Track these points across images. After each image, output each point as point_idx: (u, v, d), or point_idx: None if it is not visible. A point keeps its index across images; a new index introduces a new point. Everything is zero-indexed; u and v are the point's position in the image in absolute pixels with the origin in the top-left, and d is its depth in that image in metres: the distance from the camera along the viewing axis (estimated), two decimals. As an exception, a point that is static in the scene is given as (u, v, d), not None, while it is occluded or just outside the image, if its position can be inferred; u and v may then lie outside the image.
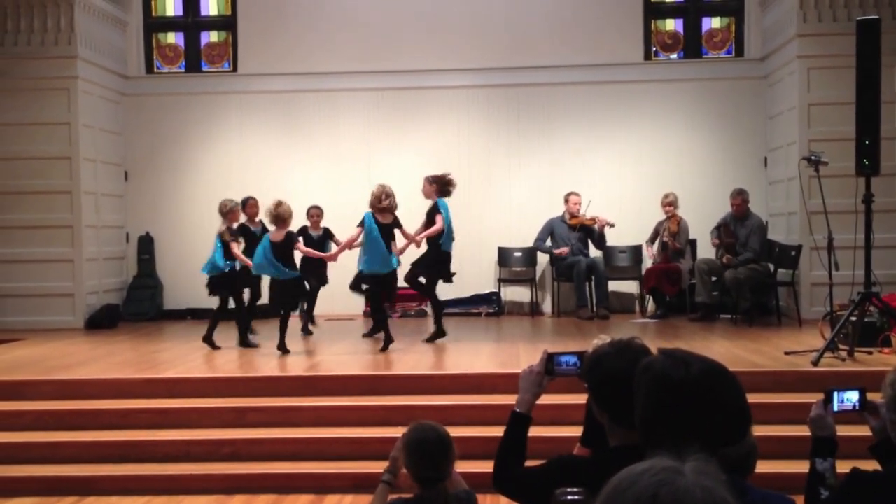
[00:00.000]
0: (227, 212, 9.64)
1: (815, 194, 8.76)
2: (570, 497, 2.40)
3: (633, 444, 2.62)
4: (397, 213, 9.62)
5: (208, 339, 9.57)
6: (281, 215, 9.12)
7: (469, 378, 7.70)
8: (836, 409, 3.26)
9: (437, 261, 9.77)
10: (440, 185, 9.92)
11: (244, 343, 9.59)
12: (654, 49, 13.16)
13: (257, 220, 10.11)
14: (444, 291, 12.67)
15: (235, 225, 9.76)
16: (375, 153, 12.93)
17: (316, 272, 10.24)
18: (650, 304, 12.17)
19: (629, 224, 12.35)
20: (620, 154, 12.86)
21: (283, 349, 9.05)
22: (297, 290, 9.55)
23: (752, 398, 6.86)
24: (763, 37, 12.56)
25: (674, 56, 13.22)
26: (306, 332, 10.60)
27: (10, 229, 11.89)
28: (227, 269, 9.55)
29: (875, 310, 8.25)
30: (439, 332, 9.72)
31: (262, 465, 6.65)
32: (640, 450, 2.15)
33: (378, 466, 4.07)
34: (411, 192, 12.31)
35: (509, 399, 3.32)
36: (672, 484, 1.38)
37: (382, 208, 9.33)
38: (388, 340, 9.16)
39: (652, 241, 12.07)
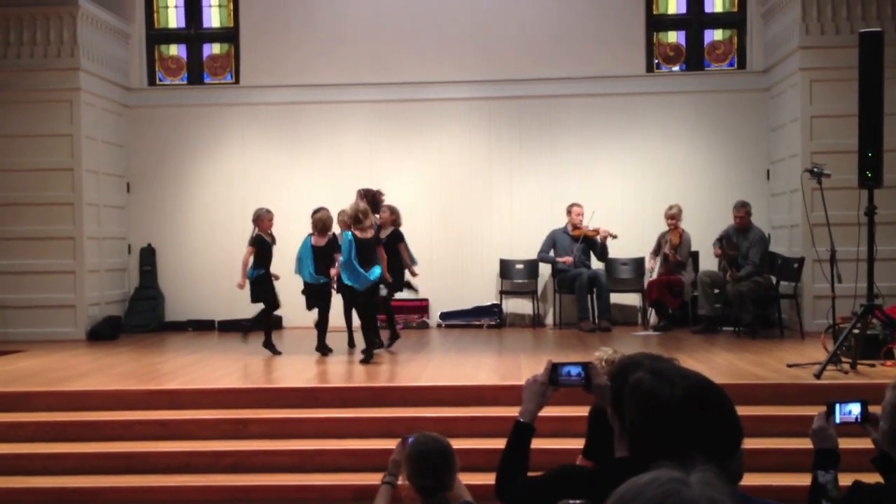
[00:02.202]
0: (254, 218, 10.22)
1: (818, 206, 8.76)
2: (572, 508, 2.40)
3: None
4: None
5: (321, 347, 9.83)
6: (325, 223, 9.85)
7: (470, 390, 7.68)
8: (838, 421, 3.26)
9: None
10: (370, 201, 9.76)
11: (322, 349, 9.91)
12: (657, 61, 13.18)
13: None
14: (445, 303, 12.75)
15: (319, 235, 10.01)
16: (377, 165, 12.94)
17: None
18: (652, 317, 12.15)
19: (631, 236, 12.35)
20: (622, 166, 12.86)
21: (323, 350, 9.75)
22: (327, 295, 9.96)
23: (755, 411, 6.86)
24: (765, 49, 12.58)
25: (676, 68, 13.24)
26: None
27: (13, 240, 11.90)
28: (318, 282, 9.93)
29: (877, 322, 8.24)
30: (393, 336, 10.12)
31: (263, 477, 6.64)
32: (644, 461, 2.15)
33: (379, 478, 4.07)
34: (413, 202, 12.36)
35: (511, 411, 3.32)
36: (678, 495, 1.37)
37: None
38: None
39: (655, 253, 12.07)
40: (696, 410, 2.22)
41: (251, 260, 9.98)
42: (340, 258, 9.37)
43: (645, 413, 2.27)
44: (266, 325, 10.11)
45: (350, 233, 9.27)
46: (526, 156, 12.99)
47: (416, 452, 3.67)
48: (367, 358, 9.14)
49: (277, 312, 12.50)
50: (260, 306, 10.17)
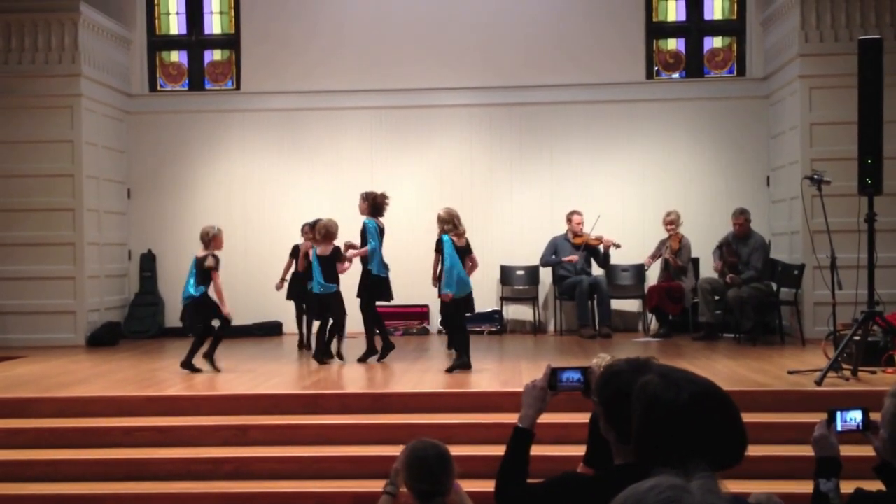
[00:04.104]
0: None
1: (818, 213, 8.75)
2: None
3: (638, 462, 2.61)
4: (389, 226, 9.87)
5: (321, 354, 9.65)
6: (329, 230, 9.56)
7: (471, 396, 7.68)
8: (839, 428, 3.25)
9: (367, 285, 9.67)
10: (370, 203, 9.69)
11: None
12: (656, 68, 13.20)
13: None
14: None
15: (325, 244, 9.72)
16: (378, 171, 12.94)
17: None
18: (653, 323, 12.15)
19: (632, 243, 12.33)
20: (622, 173, 12.87)
21: (319, 359, 9.52)
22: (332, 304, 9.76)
23: (755, 418, 6.84)
24: (765, 56, 12.59)
25: (676, 75, 13.25)
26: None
27: (13, 246, 11.89)
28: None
29: (878, 329, 8.23)
30: (371, 351, 9.64)
31: (263, 484, 6.62)
32: (644, 468, 2.14)
33: (379, 485, 4.07)
34: (414, 209, 12.36)
35: (512, 418, 3.31)
36: (679, 502, 1.37)
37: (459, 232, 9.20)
38: (462, 363, 8.96)
39: (654, 257, 12.04)
40: (701, 416, 2.22)
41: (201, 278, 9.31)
42: (445, 264, 9.14)
43: (649, 416, 2.26)
44: (212, 341, 9.39)
45: (448, 237, 9.10)
46: (526, 162, 13.00)
47: (413, 457, 3.68)
48: (455, 367, 8.94)
49: (277, 319, 12.58)
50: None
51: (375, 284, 9.67)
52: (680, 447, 2.16)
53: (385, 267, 9.75)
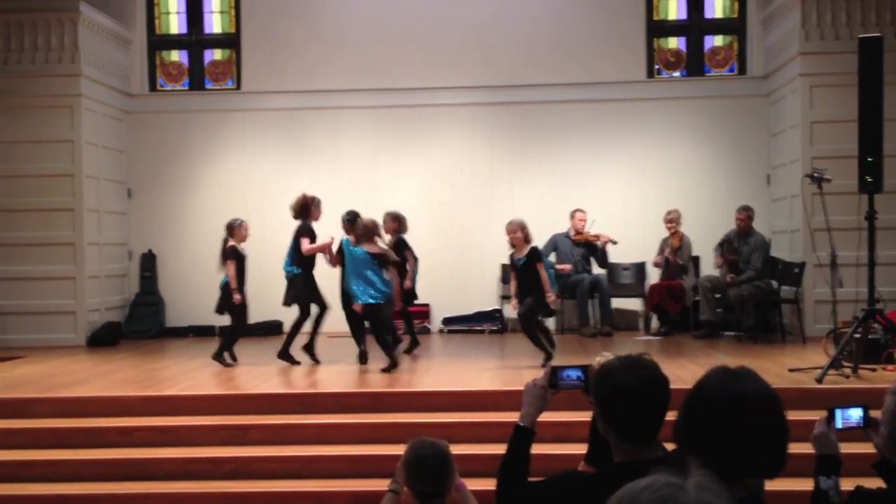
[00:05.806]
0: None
1: (819, 211, 8.75)
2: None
3: (637, 460, 2.61)
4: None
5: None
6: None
7: (472, 395, 7.66)
8: (839, 426, 3.25)
9: None
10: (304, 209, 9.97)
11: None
12: (657, 67, 13.19)
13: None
14: (446, 308, 12.72)
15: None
16: (378, 171, 12.95)
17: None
18: (654, 322, 12.14)
19: (632, 241, 12.34)
20: (623, 171, 12.86)
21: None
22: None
23: (756, 416, 6.69)
24: (765, 55, 12.59)
25: (676, 74, 13.25)
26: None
27: (13, 246, 11.89)
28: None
29: (879, 327, 8.22)
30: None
31: (262, 483, 6.62)
32: (644, 466, 2.13)
33: (379, 484, 4.07)
34: (414, 207, 12.35)
35: (512, 416, 3.30)
36: (674, 500, 1.36)
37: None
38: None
39: (659, 257, 12.03)
40: (749, 415, 2.23)
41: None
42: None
43: (692, 409, 2.28)
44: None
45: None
46: (527, 161, 12.99)
47: (413, 457, 3.67)
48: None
49: (277, 318, 12.55)
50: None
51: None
52: (723, 445, 2.17)
53: (294, 270, 9.82)
